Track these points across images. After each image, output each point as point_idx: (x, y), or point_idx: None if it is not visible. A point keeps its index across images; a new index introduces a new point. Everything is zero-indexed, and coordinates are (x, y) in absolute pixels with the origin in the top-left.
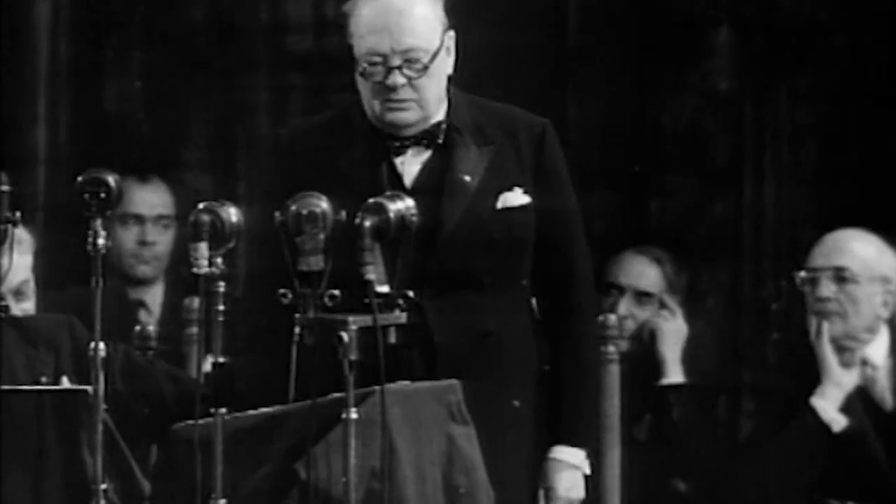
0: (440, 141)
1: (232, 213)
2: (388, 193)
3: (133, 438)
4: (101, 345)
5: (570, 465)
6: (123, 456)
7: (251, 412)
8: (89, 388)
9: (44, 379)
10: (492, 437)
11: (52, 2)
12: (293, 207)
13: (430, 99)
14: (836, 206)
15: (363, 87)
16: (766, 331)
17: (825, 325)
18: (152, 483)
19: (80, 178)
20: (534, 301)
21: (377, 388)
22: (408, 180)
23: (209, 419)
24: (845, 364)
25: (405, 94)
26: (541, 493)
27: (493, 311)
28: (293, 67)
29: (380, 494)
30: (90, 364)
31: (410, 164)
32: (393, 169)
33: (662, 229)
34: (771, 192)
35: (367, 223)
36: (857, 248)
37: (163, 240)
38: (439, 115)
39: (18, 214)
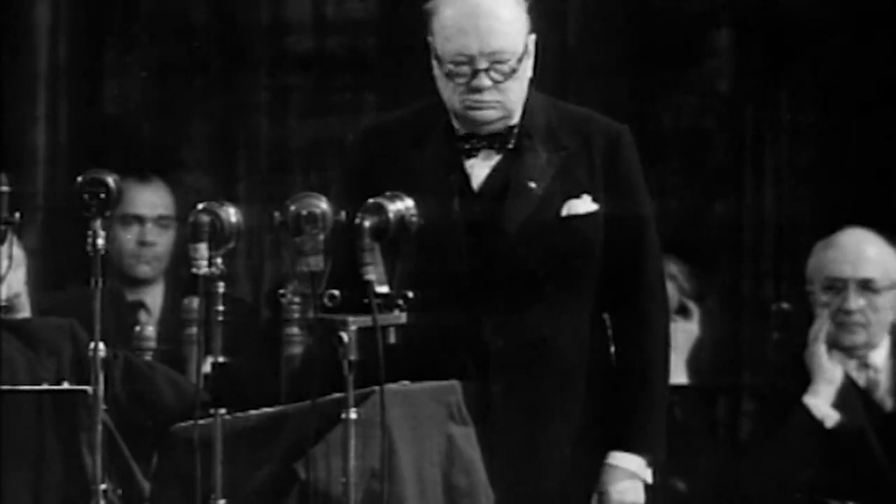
0: (511, 146)
1: (232, 214)
2: (387, 193)
3: (134, 443)
4: (101, 346)
5: (626, 471)
6: (123, 456)
7: (251, 412)
8: (89, 388)
9: (45, 384)
10: (541, 442)
11: (52, 2)
12: (293, 208)
13: (514, 101)
14: (836, 206)
15: (446, 86)
16: (766, 331)
17: (823, 328)
18: (152, 483)
19: (79, 179)
20: (605, 315)
21: (377, 388)
22: (475, 183)
23: (209, 419)
24: (844, 364)
25: (490, 96)
26: (595, 497)
27: (550, 318)
28: (293, 67)
29: (379, 494)
30: (90, 364)
31: (480, 168)
32: (462, 171)
33: (662, 230)
34: (771, 192)
35: (367, 223)
36: (876, 256)
37: (163, 240)
38: (516, 117)
39: (18, 215)
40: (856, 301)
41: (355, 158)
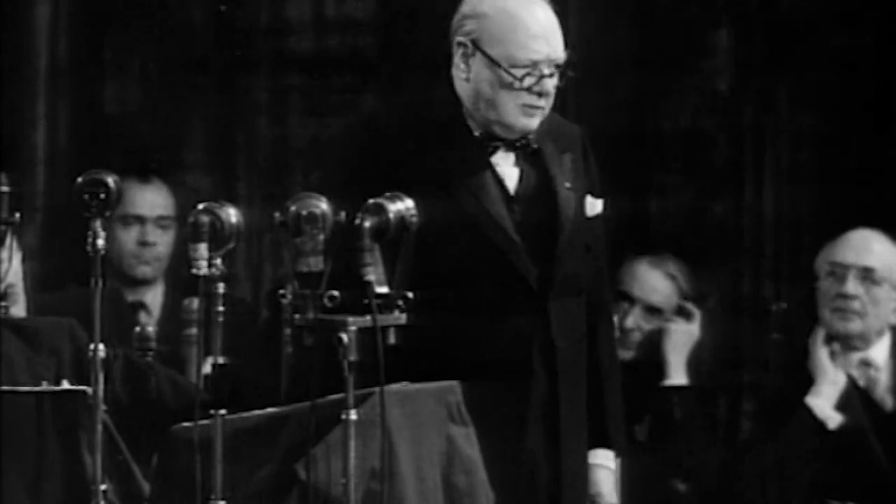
0: (535, 147)
1: (232, 214)
2: (387, 194)
3: (134, 443)
4: (101, 346)
5: (606, 468)
6: (123, 456)
7: (251, 413)
8: (88, 388)
9: (44, 383)
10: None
11: (52, 2)
12: (293, 208)
13: (551, 106)
14: (835, 206)
15: (496, 91)
16: (766, 331)
17: (823, 329)
18: (152, 483)
19: (79, 179)
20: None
21: (377, 388)
22: (510, 184)
23: (209, 420)
24: (845, 365)
25: (545, 102)
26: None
27: (584, 316)
28: (293, 67)
29: (379, 495)
30: (90, 364)
31: (504, 167)
32: (493, 173)
33: (662, 230)
34: (771, 192)
35: (367, 224)
36: (882, 250)
37: (163, 240)
38: None
39: (18, 215)
40: (854, 286)
41: (368, 150)
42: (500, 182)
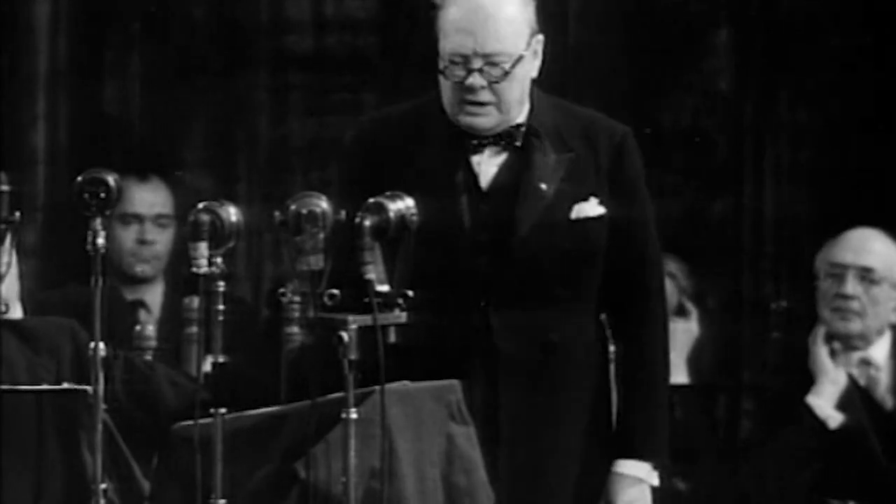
0: (518, 143)
1: (232, 213)
2: (387, 193)
3: (134, 443)
4: (101, 345)
5: (633, 478)
6: (123, 456)
7: (251, 412)
8: (89, 388)
9: (45, 384)
10: (546, 446)
11: (52, 2)
12: (293, 207)
13: (509, 102)
14: (835, 206)
15: (444, 85)
16: (766, 331)
17: (823, 328)
18: (152, 483)
19: (79, 178)
20: (602, 316)
21: (377, 387)
22: (484, 182)
23: (209, 419)
24: (846, 364)
25: (484, 96)
26: None
27: (560, 322)
28: (293, 67)
29: (379, 494)
30: (90, 363)
31: (487, 165)
32: (469, 168)
33: (662, 229)
34: (771, 192)
35: (367, 222)
36: (881, 249)
37: (162, 239)
38: (520, 117)
39: (18, 215)
40: (853, 286)
41: (359, 152)
42: (473, 179)
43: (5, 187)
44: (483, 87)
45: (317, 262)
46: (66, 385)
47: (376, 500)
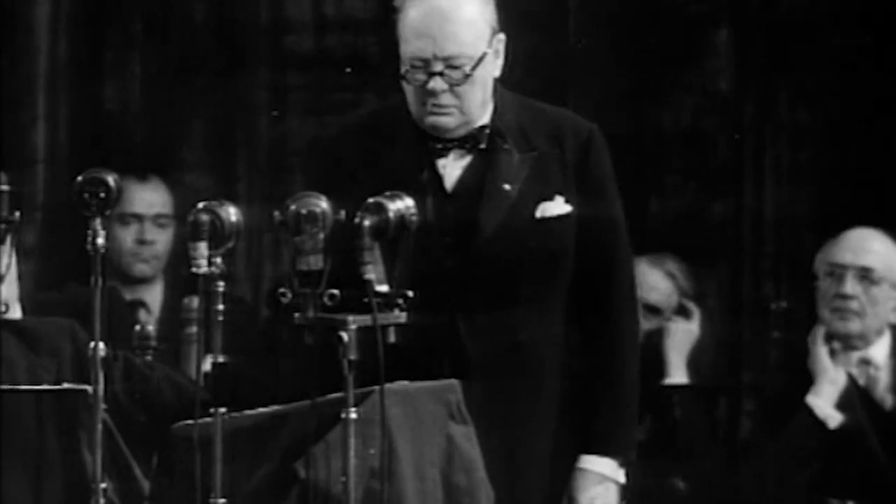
0: (482, 146)
1: (231, 213)
2: (387, 193)
3: (134, 443)
4: (101, 345)
5: (597, 474)
6: (123, 455)
7: (251, 411)
8: (89, 387)
9: (45, 384)
10: (516, 446)
11: (52, 2)
12: (293, 207)
13: (472, 104)
14: (835, 206)
15: (406, 89)
16: (766, 331)
17: (822, 327)
18: (152, 482)
19: (79, 178)
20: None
21: (377, 387)
22: (448, 184)
23: (209, 419)
24: (845, 364)
25: (446, 99)
26: (564, 501)
27: (526, 321)
28: (293, 67)
29: (379, 494)
30: (90, 363)
31: (452, 168)
32: (435, 171)
33: (662, 229)
34: (771, 192)
35: (367, 222)
36: (881, 249)
37: (161, 239)
38: (483, 118)
39: (18, 214)
40: (853, 286)
41: (325, 157)
42: (439, 181)
43: (5, 187)
44: (444, 91)
45: (316, 262)
46: (65, 385)
47: (376, 500)
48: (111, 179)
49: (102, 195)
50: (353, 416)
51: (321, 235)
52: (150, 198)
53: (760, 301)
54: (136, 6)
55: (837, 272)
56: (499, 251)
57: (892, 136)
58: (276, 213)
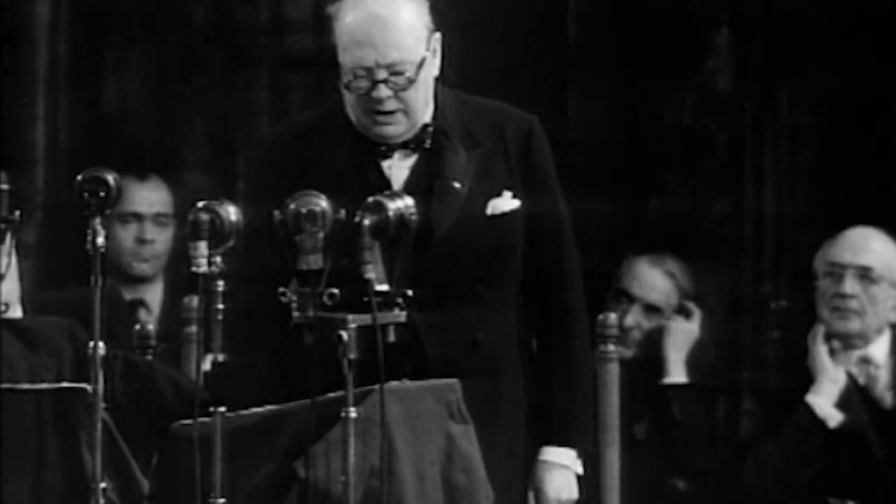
0: (427, 145)
1: (231, 212)
2: (387, 192)
3: (134, 443)
4: (101, 345)
5: (559, 465)
6: (123, 455)
7: (251, 411)
8: (88, 386)
9: (44, 384)
10: (480, 443)
11: (52, 2)
12: (292, 206)
13: (416, 107)
14: (835, 205)
15: (348, 97)
16: (766, 331)
17: (822, 327)
18: (152, 482)
19: (79, 177)
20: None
21: (376, 386)
22: (396, 185)
23: (209, 418)
24: (845, 363)
25: (391, 105)
26: (531, 494)
27: (483, 319)
28: (293, 67)
29: (379, 493)
30: (90, 363)
31: (399, 169)
32: (380, 173)
33: (662, 229)
34: (771, 192)
35: (367, 222)
36: (880, 249)
37: (161, 238)
38: (426, 117)
39: (18, 214)
40: (852, 286)
41: (269, 161)
42: (386, 183)
43: (5, 186)
44: (389, 97)
45: (316, 261)
46: (65, 384)
47: (376, 499)
48: (111, 178)
49: (102, 194)
50: (353, 415)
51: (321, 234)
52: (149, 197)
53: (760, 301)
54: (135, 6)
55: (837, 271)
56: (453, 250)
57: (892, 136)
58: (277, 213)
